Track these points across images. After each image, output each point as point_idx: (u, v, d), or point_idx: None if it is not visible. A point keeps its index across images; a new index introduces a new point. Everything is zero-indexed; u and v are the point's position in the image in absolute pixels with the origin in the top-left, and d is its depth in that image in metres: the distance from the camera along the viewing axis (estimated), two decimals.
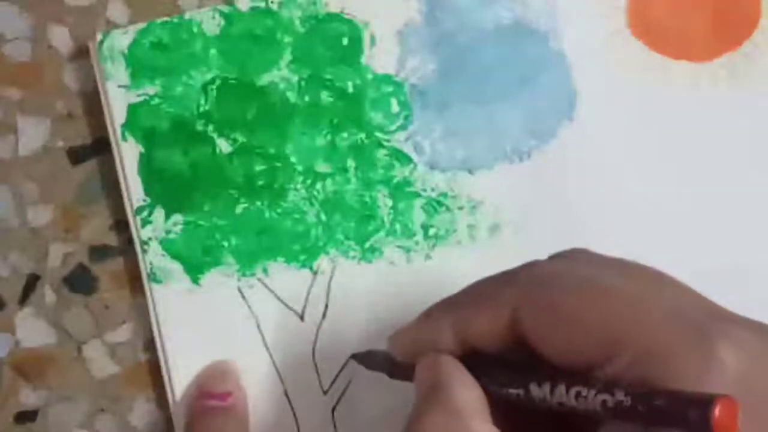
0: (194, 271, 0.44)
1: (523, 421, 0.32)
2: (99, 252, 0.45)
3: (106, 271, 0.45)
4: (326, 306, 0.44)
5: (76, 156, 0.44)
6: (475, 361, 0.33)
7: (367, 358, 0.39)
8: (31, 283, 0.45)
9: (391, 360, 0.36)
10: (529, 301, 0.32)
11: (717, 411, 0.26)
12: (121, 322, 0.45)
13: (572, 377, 0.30)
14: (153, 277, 0.43)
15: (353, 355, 0.41)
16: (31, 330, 0.45)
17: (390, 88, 0.44)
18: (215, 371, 0.43)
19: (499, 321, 0.32)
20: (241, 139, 0.44)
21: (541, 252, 0.43)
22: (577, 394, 0.29)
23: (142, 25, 0.44)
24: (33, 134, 0.45)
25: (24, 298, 0.45)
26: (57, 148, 0.45)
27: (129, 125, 0.44)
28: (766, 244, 0.44)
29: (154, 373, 0.43)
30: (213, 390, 0.42)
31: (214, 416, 0.42)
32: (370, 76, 0.45)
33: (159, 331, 0.43)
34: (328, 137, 0.44)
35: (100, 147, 0.45)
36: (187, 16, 0.44)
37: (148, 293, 0.44)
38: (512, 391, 0.31)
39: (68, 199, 0.45)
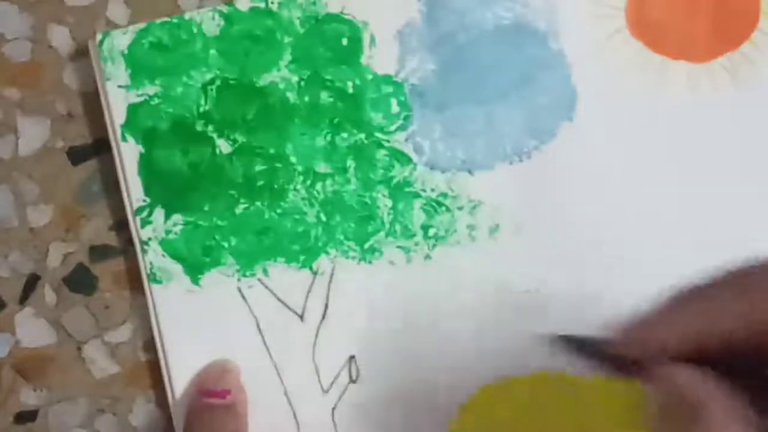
0: (194, 271, 0.44)
1: None
2: (99, 252, 0.45)
3: (106, 271, 0.45)
4: (326, 306, 0.44)
5: (76, 156, 0.44)
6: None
7: (576, 343, 0.36)
8: (31, 283, 0.45)
9: (610, 351, 0.32)
10: None
11: None
12: (121, 322, 0.45)
13: None
14: (153, 278, 0.44)
15: (561, 336, 0.35)
16: (31, 330, 0.45)
17: (390, 89, 0.44)
18: (215, 369, 0.43)
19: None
20: (240, 139, 0.44)
21: (542, 252, 0.43)
22: None
23: (141, 26, 0.44)
24: (33, 134, 0.45)
25: (24, 298, 0.45)
26: (57, 148, 0.45)
27: (129, 125, 0.44)
28: (765, 242, 0.44)
29: (154, 373, 0.44)
30: (212, 388, 0.42)
31: (213, 413, 0.42)
32: (369, 77, 0.45)
33: (159, 332, 0.43)
34: (328, 137, 0.44)
35: (100, 147, 0.45)
36: (186, 16, 0.44)
37: (148, 293, 0.44)
38: None
39: (68, 199, 0.45)
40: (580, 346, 0.35)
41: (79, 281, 0.45)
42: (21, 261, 0.45)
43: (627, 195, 0.44)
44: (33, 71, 0.45)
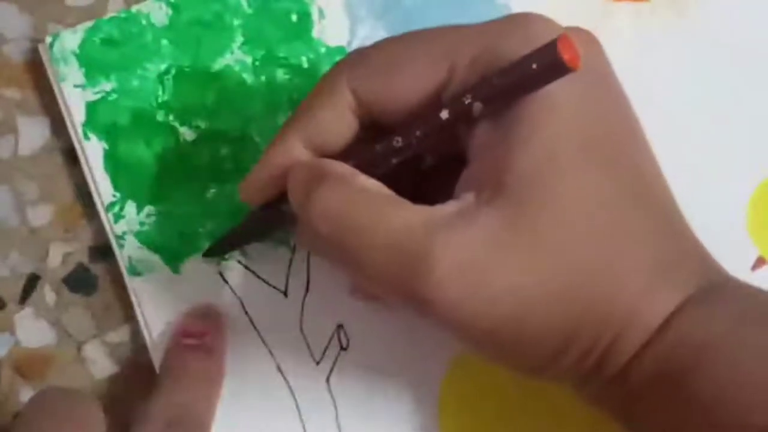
0: (173, 260, 0.44)
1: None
2: (99, 252, 0.45)
3: (106, 271, 0.45)
4: (308, 280, 0.44)
5: (76, 156, 0.44)
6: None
7: (219, 247, 0.43)
8: (31, 283, 0.45)
9: (250, 220, 0.40)
10: (359, 69, 0.35)
11: (561, 44, 0.30)
12: (121, 322, 0.45)
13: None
14: (132, 270, 0.44)
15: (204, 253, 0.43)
16: (31, 330, 0.44)
17: None
18: (194, 313, 0.43)
19: (341, 106, 0.35)
20: (203, 125, 0.44)
21: None
22: (433, 120, 0.33)
23: (90, 24, 0.44)
24: (33, 134, 0.45)
25: (24, 298, 0.45)
26: (57, 148, 0.45)
27: (89, 123, 0.44)
28: (710, 181, 0.45)
29: (154, 373, 0.43)
30: (190, 328, 0.43)
31: (190, 353, 0.42)
32: (323, 50, 0.45)
33: (145, 323, 0.43)
34: (290, 114, 0.44)
35: None
36: (134, 9, 0.44)
37: (129, 287, 0.44)
38: (379, 153, 0.35)
39: (68, 199, 0.45)
40: (221, 246, 0.43)
41: (79, 281, 0.45)
42: (21, 261, 0.45)
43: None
44: (33, 71, 0.45)
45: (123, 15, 0.44)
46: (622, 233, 0.33)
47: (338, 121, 0.36)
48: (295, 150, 0.36)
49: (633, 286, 0.32)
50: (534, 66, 0.31)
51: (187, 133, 0.44)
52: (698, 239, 0.35)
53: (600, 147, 0.33)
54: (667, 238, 0.34)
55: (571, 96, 0.33)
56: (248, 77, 0.45)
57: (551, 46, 0.30)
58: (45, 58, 0.44)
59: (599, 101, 0.34)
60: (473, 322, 0.32)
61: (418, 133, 0.34)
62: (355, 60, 0.36)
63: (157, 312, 0.43)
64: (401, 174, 0.36)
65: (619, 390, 0.33)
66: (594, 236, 0.32)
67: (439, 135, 0.34)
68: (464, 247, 0.31)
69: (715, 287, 0.33)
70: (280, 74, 0.45)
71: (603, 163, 0.33)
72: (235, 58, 0.45)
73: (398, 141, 0.34)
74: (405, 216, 0.32)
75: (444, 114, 0.33)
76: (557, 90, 0.32)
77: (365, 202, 0.33)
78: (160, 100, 0.44)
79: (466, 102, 0.32)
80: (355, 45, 0.45)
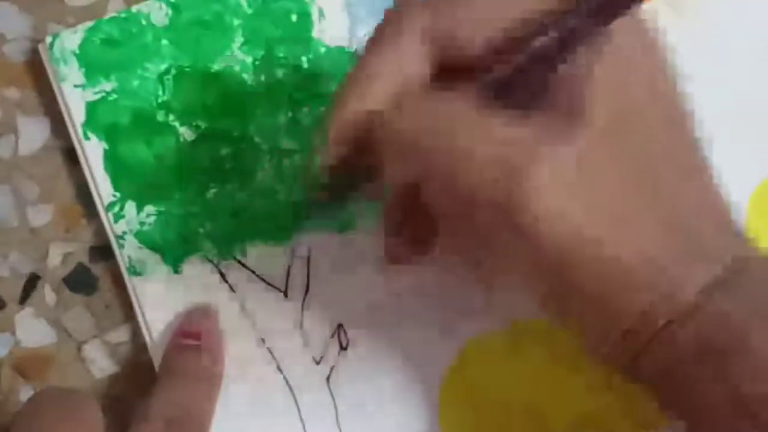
0: (173, 259, 0.44)
1: None
2: (99, 252, 0.45)
3: (106, 271, 0.45)
4: (308, 279, 0.44)
5: (76, 156, 0.44)
6: None
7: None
8: (31, 283, 0.45)
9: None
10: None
11: None
12: (121, 322, 0.45)
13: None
14: (132, 270, 0.44)
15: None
16: (31, 330, 0.44)
17: (344, 59, 0.45)
18: (193, 313, 0.43)
19: (414, 47, 0.34)
20: (203, 125, 0.44)
21: None
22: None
23: (90, 24, 0.44)
24: (33, 134, 0.45)
25: (24, 298, 0.45)
26: (57, 148, 0.45)
27: (90, 123, 0.44)
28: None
29: (154, 373, 0.43)
30: (189, 329, 0.43)
31: (189, 353, 0.42)
32: (322, 50, 0.45)
33: (145, 323, 0.43)
34: (290, 114, 0.45)
35: None
36: (134, 9, 0.44)
37: (129, 287, 0.44)
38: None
39: (68, 199, 0.45)
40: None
41: (79, 281, 0.45)
42: (21, 261, 0.45)
43: None
44: (33, 71, 0.45)
45: (123, 15, 0.44)
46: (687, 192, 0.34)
47: (412, 61, 0.35)
48: (373, 95, 0.35)
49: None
50: None
51: (186, 133, 0.44)
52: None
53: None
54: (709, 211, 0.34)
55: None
56: (248, 77, 0.45)
57: None
58: (45, 58, 0.44)
59: None
60: (567, 235, 0.32)
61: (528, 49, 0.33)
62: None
63: (157, 312, 0.43)
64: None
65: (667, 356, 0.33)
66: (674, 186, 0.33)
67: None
68: (567, 159, 0.32)
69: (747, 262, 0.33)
70: (280, 74, 0.45)
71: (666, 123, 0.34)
72: (235, 58, 0.45)
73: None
74: (508, 124, 0.32)
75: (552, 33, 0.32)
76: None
77: (464, 109, 0.33)
78: (160, 100, 0.44)
79: (570, 25, 0.32)
80: (355, 45, 0.45)
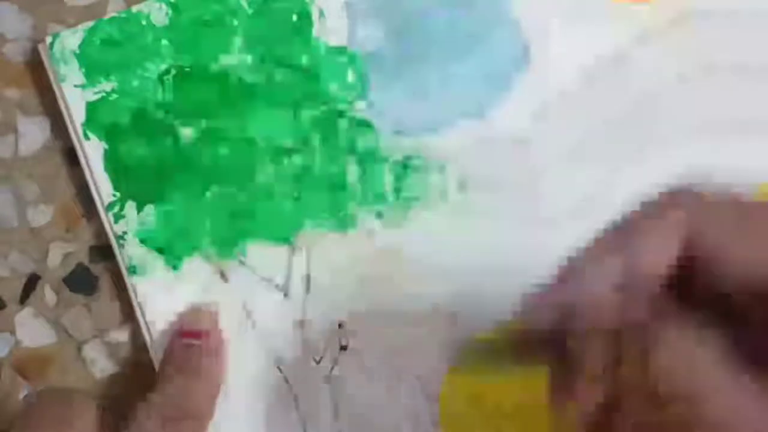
0: (173, 259, 0.44)
1: None
2: (99, 252, 0.45)
3: (106, 271, 0.45)
4: (308, 279, 0.44)
5: (76, 156, 0.44)
6: None
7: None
8: (31, 283, 0.45)
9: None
10: (708, 210, 0.30)
11: None
12: (121, 322, 0.45)
13: None
14: (133, 270, 0.44)
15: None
16: (31, 330, 0.44)
17: (344, 59, 0.45)
18: (193, 312, 0.43)
19: (671, 244, 0.29)
20: (203, 125, 0.44)
21: (510, 206, 0.44)
22: None
23: (90, 24, 0.44)
24: (33, 134, 0.45)
25: (24, 298, 0.45)
26: (57, 148, 0.45)
27: (90, 123, 0.44)
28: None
29: (154, 373, 0.43)
30: (189, 328, 0.43)
31: (189, 352, 0.42)
32: (323, 50, 0.45)
33: (145, 323, 0.43)
34: (290, 114, 0.45)
35: None
36: (134, 9, 0.44)
37: (129, 287, 0.44)
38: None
39: (68, 199, 0.45)
40: None
41: (79, 281, 0.45)
42: (21, 261, 0.45)
43: (587, 140, 0.45)
44: (33, 71, 0.45)
45: (123, 15, 0.44)
46: None
47: (664, 251, 0.30)
48: (612, 275, 0.30)
49: None
50: None
51: (187, 133, 0.44)
52: None
53: None
54: None
55: None
56: (248, 77, 0.45)
57: None
58: (45, 58, 0.44)
59: None
60: None
61: None
62: (695, 202, 0.31)
63: (157, 312, 0.43)
64: None
65: None
66: None
67: None
68: None
69: None
70: (280, 74, 0.45)
71: None
72: (235, 58, 0.45)
73: None
74: (743, 390, 0.27)
75: None
76: None
77: (709, 365, 0.28)
78: (160, 100, 0.44)
79: None
80: (356, 45, 0.45)
